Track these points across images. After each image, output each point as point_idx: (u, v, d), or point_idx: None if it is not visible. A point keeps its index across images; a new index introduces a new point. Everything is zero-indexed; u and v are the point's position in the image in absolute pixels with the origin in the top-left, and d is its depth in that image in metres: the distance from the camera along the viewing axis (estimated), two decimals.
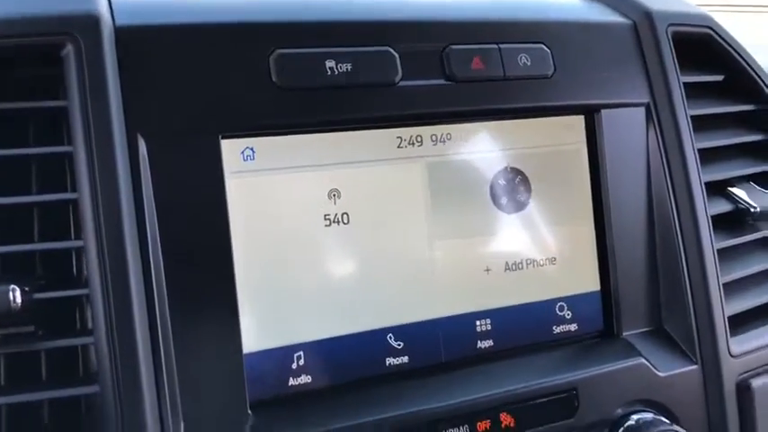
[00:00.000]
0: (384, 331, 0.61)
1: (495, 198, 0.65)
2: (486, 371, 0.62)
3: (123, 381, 0.49)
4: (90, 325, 0.50)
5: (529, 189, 0.67)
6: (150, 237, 0.52)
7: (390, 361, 0.61)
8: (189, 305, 0.53)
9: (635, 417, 0.64)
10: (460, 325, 0.64)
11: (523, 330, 0.66)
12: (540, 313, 0.67)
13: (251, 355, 0.56)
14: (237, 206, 0.56)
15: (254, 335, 0.57)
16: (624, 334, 0.68)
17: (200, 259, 0.54)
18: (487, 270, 0.65)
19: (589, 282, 0.69)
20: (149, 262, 0.52)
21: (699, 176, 0.70)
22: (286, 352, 0.58)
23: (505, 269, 0.66)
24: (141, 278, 0.51)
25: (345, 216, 0.60)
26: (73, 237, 0.52)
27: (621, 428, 0.63)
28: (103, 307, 0.49)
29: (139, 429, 0.49)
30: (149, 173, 0.53)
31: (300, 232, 0.58)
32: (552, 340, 0.67)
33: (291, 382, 0.58)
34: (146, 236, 0.52)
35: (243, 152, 0.57)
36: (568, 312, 0.68)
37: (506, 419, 0.60)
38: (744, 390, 0.68)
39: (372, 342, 0.61)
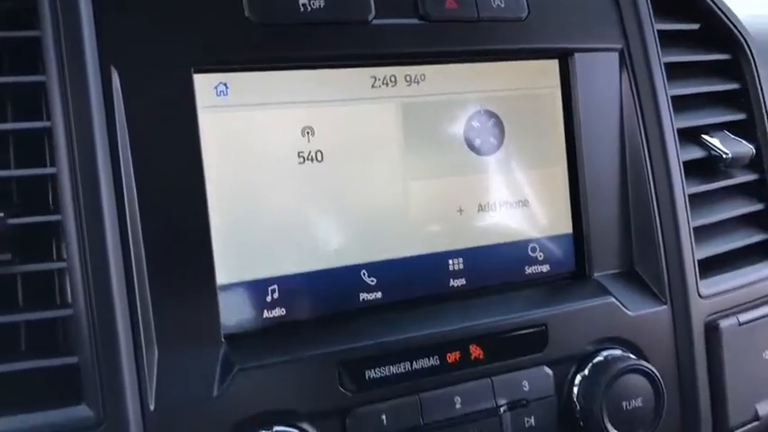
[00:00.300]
0: (358, 267, 0.62)
1: (468, 140, 0.66)
2: (457, 307, 0.64)
3: (97, 305, 0.50)
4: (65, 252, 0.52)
5: (502, 132, 0.68)
6: (123, 168, 0.53)
7: (364, 296, 0.62)
8: (162, 235, 0.54)
9: (604, 353, 0.65)
10: (433, 263, 0.65)
11: (495, 270, 0.67)
12: (513, 254, 0.68)
13: (225, 286, 0.58)
14: (210, 140, 0.57)
15: (228, 267, 0.58)
16: (595, 275, 0.69)
17: (174, 191, 0.55)
18: (460, 210, 0.66)
19: (561, 224, 0.70)
20: (122, 192, 0.53)
21: (671, 122, 0.71)
22: (260, 285, 0.59)
23: (478, 210, 0.67)
24: (114, 207, 0.52)
25: (319, 154, 0.61)
26: (48, 165, 0.53)
27: (590, 364, 0.64)
28: (76, 232, 0.50)
29: (113, 354, 0.51)
30: (123, 105, 0.54)
31: (274, 169, 0.59)
32: (524, 280, 0.68)
33: (266, 314, 0.59)
34: (119, 167, 0.53)
35: (216, 87, 0.58)
36: (540, 254, 0.69)
37: (476, 351, 0.61)
38: (712, 330, 0.70)
39: (346, 278, 0.62)
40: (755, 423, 0.73)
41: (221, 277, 0.57)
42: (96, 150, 0.52)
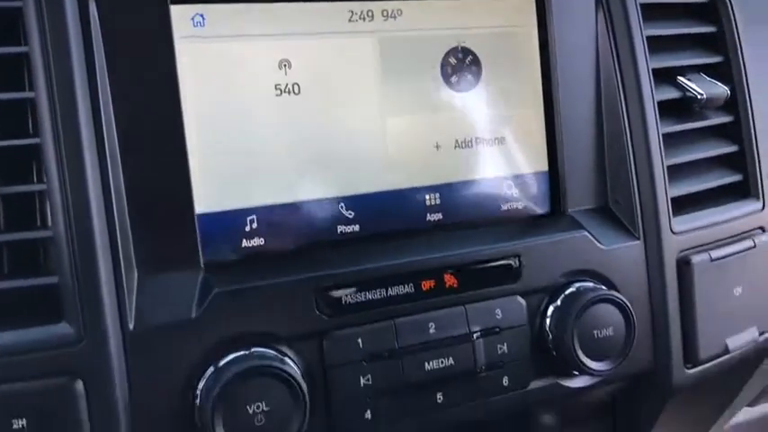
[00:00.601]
0: (336, 200, 0.64)
1: (445, 76, 0.67)
2: (433, 239, 0.65)
3: (76, 227, 0.52)
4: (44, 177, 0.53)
5: (479, 69, 0.69)
6: (101, 95, 0.54)
7: (342, 229, 0.64)
8: (141, 162, 0.55)
9: (576, 285, 0.67)
10: (410, 198, 0.66)
11: (471, 206, 0.68)
12: (489, 190, 0.69)
13: (204, 215, 0.59)
14: (187, 70, 0.58)
15: (207, 197, 0.59)
16: (570, 211, 0.71)
17: (152, 122, 0.56)
18: (437, 146, 0.67)
19: (537, 162, 0.71)
20: (101, 118, 0.54)
21: (646, 62, 0.72)
22: (239, 215, 0.60)
23: (455, 146, 0.68)
24: (92, 132, 0.53)
25: (296, 86, 0.62)
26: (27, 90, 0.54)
27: (562, 295, 0.66)
28: (55, 155, 0.52)
29: (92, 274, 0.52)
30: (100, 34, 0.55)
31: (251, 100, 0.60)
32: (500, 217, 0.70)
33: (245, 243, 0.61)
34: (97, 93, 0.54)
35: (193, 18, 0.58)
36: (516, 190, 0.70)
37: (450, 280, 0.63)
38: (684, 265, 0.71)
39: (324, 210, 0.63)
40: (725, 357, 0.75)
41: (200, 206, 0.58)
42: (74, 78, 0.53)
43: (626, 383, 0.72)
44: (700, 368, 0.73)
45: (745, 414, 1.03)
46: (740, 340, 0.75)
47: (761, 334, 0.78)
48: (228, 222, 0.60)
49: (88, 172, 0.53)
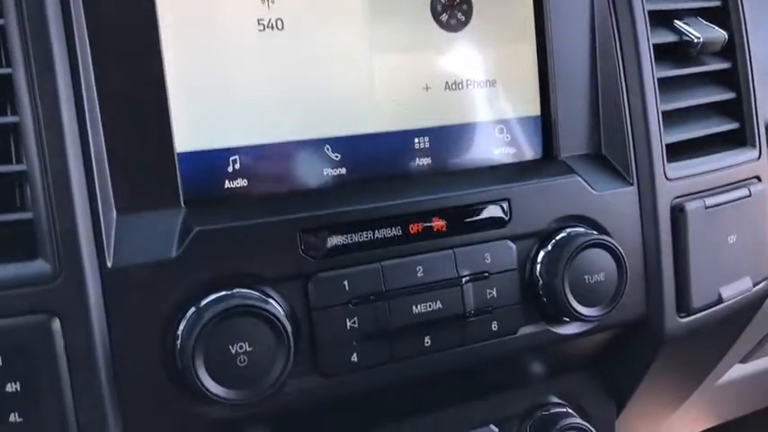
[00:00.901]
0: (321, 142, 0.62)
1: (435, 14, 0.65)
2: (422, 183, 0.64)
3: (51, 161, 0.50)
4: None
5: (470, 8, 0.66)
6: (77, 27, 0.52)
7: (328, 171, 0.62)
8: (118, 98, 0.53)
9: (568, 230, 0.65)
10: (399, 141, 0.65)
11: (461, 150, 0.67)
12: (479, 134, 0.68)
13: (184, 154, 0.57)
14: (167, 3, 0.55)
15: (187, 135, 0.57)
16: (562, 157, 0.69)
17: (130, 56, 0.54)
18: (427, 88, 0.65)
19: (530, 106, 0.69)
20: (75, 49, 0.52)
21: (642, 4, 0.70)
22: (221, 154, 0.59)
23: (445, 88, 0.66)
24: (67, 65, 0.51)
25: (279, 22, 0.60)
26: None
27: (553, 240, 0.65)
28: (27, 87, 0.49)
29: (67, 209, 0.50)
30: None
31: (233, 36, 0.58)
32: (490, 161, 0.68)
33: (227, 184, 0.59)
34: (72, 28, 0.52)
35: None
36: (507, 135, 0.69)
37: (438, 223, 0.61)
38: (677, 212, 0.70)
39: (310, 152, 0.61)
40: (719, 306, 0.74)
41: (180, 145, 0.57)
42: (47, 8, 0.50)
43: (617, 332, 0.71)
44: (693, 317, 0.72)
45: (737, 371, 1.03)
46: (734, 290, 0.74)
47: (755, 285, 0.77)
48: (210, 162, 0.58)
49: (62, 106, 0.51)
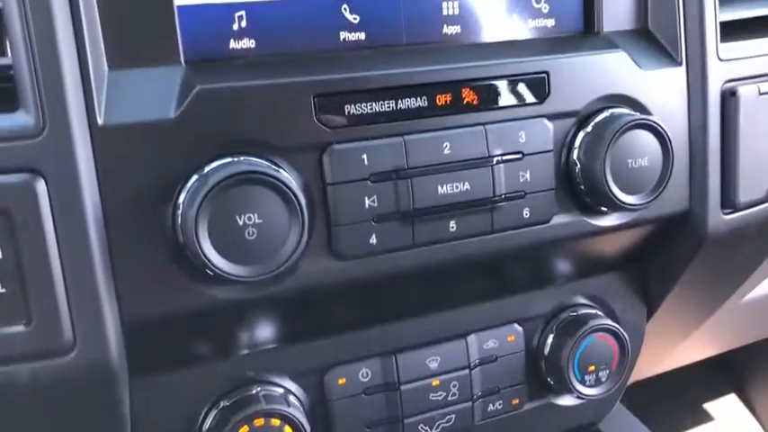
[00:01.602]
0: (339, 1, 0.55)
1: None
2: (451, 52, 0.57)
3: (31, 6, 0.43)
4: None
5: None
6: None
7: (345, 35, 0.55)
8: None
9: (610, 110, 0.59)
10: (426, 5, 0.57)
11: (494, 19, 0.60)
12: (514, 3, 0.60)
13: (185, 8, 0.50)
14: None
15: None
16: (605, 31, 0.62)
17: None
18: None
19: None
20: None
21: None
22: (225, 9, 0.52)
23: None
24: None
25: None
26: None
27: (594, 120, 0.58)
28: None
29: (50, 56, 0.44)
30: None
31: None
32: (526, 33, 0.61)
33: (233, 44, 0.52)
34: None
35: None
36: (545, 5, 0.61)
37: (469, 95, 0.55)
38: (729, 96, 0.63)
39: (325, 11, 0.54)
40: (766, 204, 0.68)
41: None
42: None
43: (655, 228, 0.66)
44: (738, 214, 0.66)
45: (764, 288, 0.98)
46: None
47: None
48: (213, 17, 0.51)
49: None
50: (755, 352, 1.30)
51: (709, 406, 1.57)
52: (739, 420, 1.54)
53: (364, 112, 0.52)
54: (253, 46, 0.53)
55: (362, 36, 0.56)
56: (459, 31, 0.59)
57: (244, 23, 0.52)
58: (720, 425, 1.48)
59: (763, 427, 1.55)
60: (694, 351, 1.06)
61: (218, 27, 0.52)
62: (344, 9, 0.55)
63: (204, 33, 0.51)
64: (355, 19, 0.55)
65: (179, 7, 0.50)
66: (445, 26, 0.58)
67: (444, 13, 0.58)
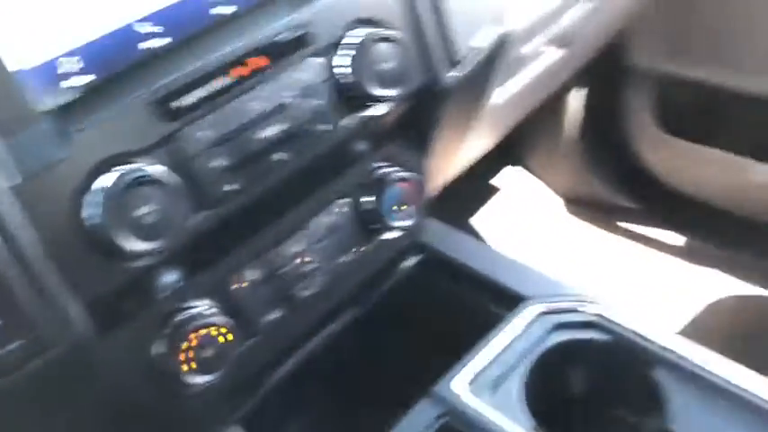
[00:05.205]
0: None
1: None
2: (228, 30, 0.74)
3: None
4: None
5: None
6: None
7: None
8: None
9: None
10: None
11: None
12: None
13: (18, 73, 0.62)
14: None
15: (16, 52, 0.62)
16: None
17: None
18: None
19: None
20: None
21: None
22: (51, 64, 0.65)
23: None
24: None
25: None
26: None
27: (344, 45, 0.79)
28: None
29: None
30: None
31: None
32: None
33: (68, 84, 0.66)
34: None
35: None
36: None
37: (257, 62, 0.74)
38: None
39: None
40: (478, 55, 0.94)
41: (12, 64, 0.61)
42: None
43: (412, 103, 0.89)
44: (465, 67, 0.92)
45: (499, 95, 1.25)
46: (486, 38, 0.95)
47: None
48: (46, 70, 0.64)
49: None
50: (523, 131, 1.62)
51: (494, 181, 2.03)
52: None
53: (188, 104, 0.69)
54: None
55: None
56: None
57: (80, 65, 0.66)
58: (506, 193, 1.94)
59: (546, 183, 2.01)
60: (474, 151, 1.34)
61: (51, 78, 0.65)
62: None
63: (44, 86, 0.64)
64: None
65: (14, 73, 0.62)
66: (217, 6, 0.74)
67: None
